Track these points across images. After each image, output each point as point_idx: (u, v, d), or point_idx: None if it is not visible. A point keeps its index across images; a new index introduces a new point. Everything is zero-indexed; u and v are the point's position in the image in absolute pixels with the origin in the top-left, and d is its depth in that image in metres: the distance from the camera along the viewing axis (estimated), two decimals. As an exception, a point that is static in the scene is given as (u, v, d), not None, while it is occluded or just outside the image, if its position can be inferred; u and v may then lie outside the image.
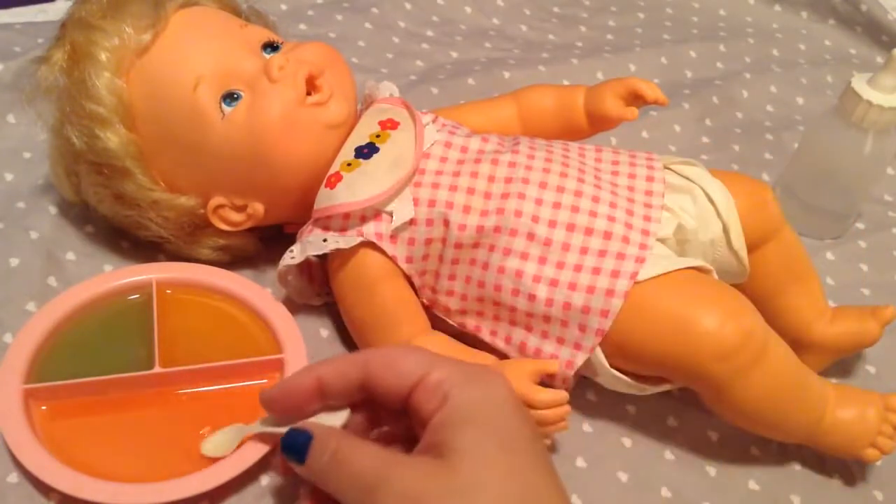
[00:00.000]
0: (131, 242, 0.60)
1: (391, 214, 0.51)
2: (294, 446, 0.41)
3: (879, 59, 0.87)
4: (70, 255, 0.59)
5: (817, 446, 0.52)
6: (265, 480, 0.49)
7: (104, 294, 0.55)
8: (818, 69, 0.87)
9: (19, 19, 0.79)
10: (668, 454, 0.54)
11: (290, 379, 0.44)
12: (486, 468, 0.37)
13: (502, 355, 0.52)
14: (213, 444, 0.48)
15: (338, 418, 0.43)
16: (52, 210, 0.61)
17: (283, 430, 0.43)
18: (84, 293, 0.54)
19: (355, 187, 0.51)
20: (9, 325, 0.54)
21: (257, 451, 0.48)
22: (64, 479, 0.46)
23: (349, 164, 0.52)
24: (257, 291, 0.56)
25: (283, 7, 0.84)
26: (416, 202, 0.52)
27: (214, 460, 0.47)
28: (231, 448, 0.48)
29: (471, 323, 0.53)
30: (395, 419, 0.44)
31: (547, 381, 0.51)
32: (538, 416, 0.49)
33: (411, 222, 0.52)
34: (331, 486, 0.40)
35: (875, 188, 0.72)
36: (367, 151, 0.53)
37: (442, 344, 0.52)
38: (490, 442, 0.38)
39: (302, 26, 0.81)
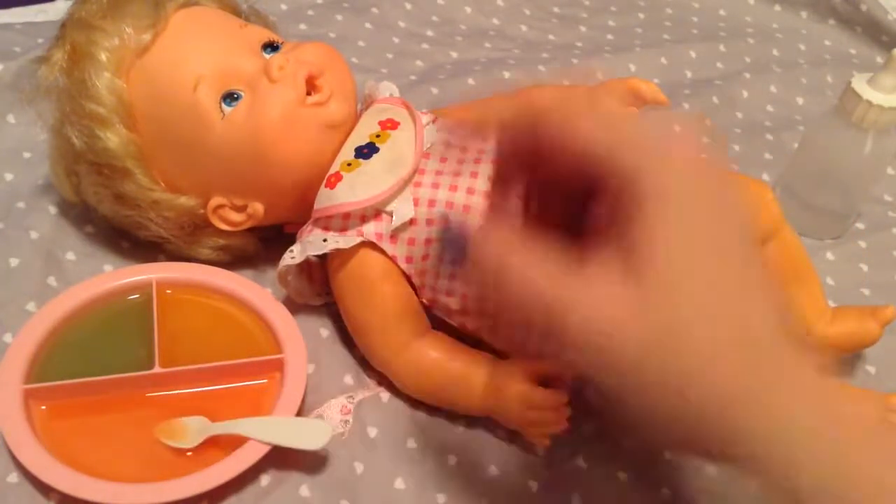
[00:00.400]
0: (131, 242, 0.60)
1: (391, 214, 0.51)
2: (459, 246, 0.37)
3: (879, 59, 0.87)
4: (70, 256, 0.59)
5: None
6: (265, 481, 0.49)
7: (104, 294, 0.55)
8: (818, 69, 0.87)
9: (19, 19, 0.79)
10: (668, 453, 0.53)
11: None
12: (690, 283, 0.33)
13: (502, 355, 0.52)
14: (169, 429, 0.48)
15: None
16: (53, 210, 0.61)
17: (259, 437, 0.46)
18: (84, 293, 0.54)
19: (356, 187, 0.51)
20: (9, 325, 0.54)
21: (257, 451, 0.48)
22: (64, 478, 0.46)
23: (349, 164, 0.53)
24: (257, 291, 0.56)
25: (283, 7, 0.84)
26: (416, 202, 0.52)
27: (214, 460, 0.47)
28: (193, 441, 0.48)
29: (471, 323, 0.53)
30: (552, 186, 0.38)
31: (547, 381, 0.51)
32: (537, 417, 0.49)
33: (411, 222, 0.52)
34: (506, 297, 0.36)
35: (875, 188, 0.72)
36: (367, 151, 0.53)
37: (441, 344, 0.52)
38: (693, 247, 0.34)
39: (302, 26, 0.81)
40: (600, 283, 0.34)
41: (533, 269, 0.35)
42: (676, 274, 0.33)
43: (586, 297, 0.34)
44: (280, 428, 0.49)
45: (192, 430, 0.49)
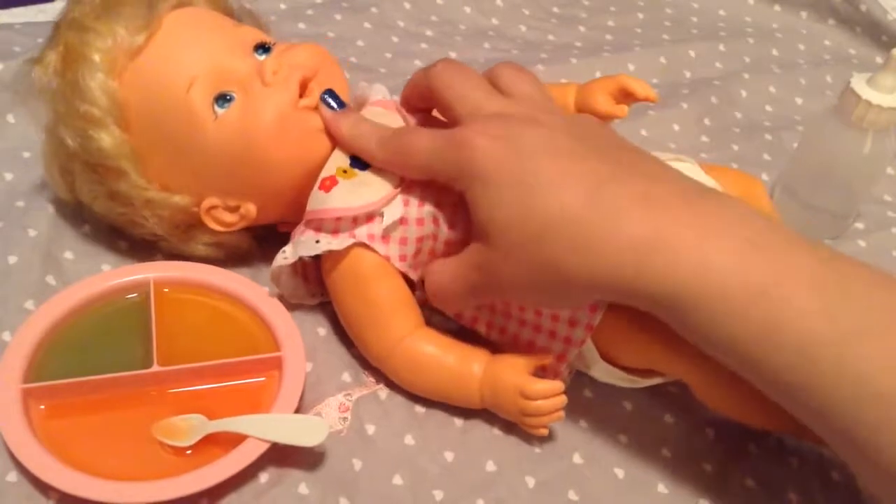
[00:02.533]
0: (129, 242, 0.60)
1: (381, 215, 0.51)
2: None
3: (879, 59, 0.87)
4: (68, 254, 0.59)
5: (812, 438, 0.52)
6: (264, 478, 0.49)
7: (102, 293, 0.55)
8: (818, 69, 0.87)
9: (19, 19, 0.79)
10: (665, 451, 0.54)
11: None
12: (504, 230, 0.46)
13: (496, 349, 0.53)
14: (166, 428, 0.49)
15: None
16: (51, 209, 0.61)
17: (257, 434, 0.47)
18: (82, 292, 0.54)
19: (351, 195, 0.51)
20: (7, 324, 0.54)
21: (255, 449, 0.48)
22: (63, 477, 0.46)
23: (345, 172, 0.52)
24: (255, 290, 0.56)
25: (283, 6, 0.84)
26: (406, 203, 0.52)
27: (213, 459, 0.47)
28: (191, 439, 0.48)
29: (467, 315, 0.53)
30: None
31: (540, 373, 0.51)
32: (534, 407, 0.49)
33: (402, 222, 0.52)
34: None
35: (875, 188, 0.72)
36: (362, 161, 0.53)
37: (436, 338, 0.52)
38: (499, 204, 0.46)
39: (301, 25, 0.81)
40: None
41: None
42: (502, 231, 0.46)
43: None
44: (278, 425, 0.49)
45: (190, 428, 0.49)
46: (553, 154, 0.45)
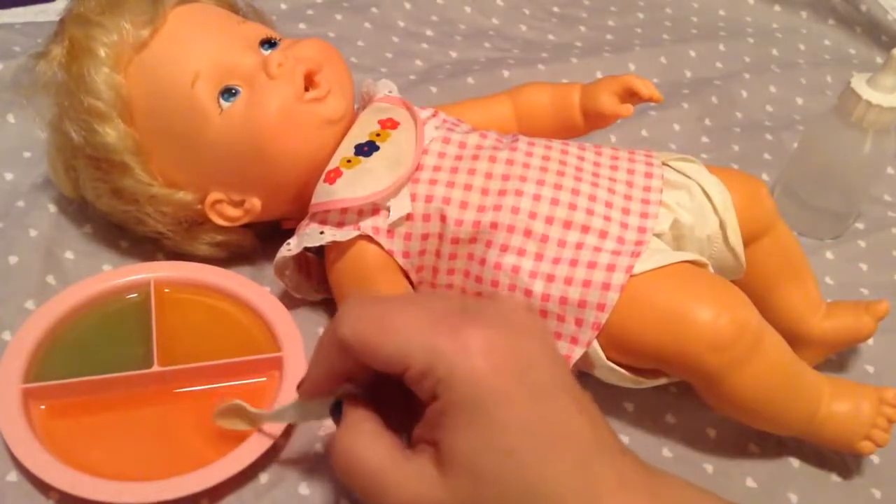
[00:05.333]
0: (130, 242, 0.60)
1: (388, 209, 0.52)
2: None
3: (879, 59, 0.87)
4: (69, 254, 0.59)
5: (812, 439, 0.52)
6: (264, 478, 0.49)
7: (102, 293, 0.55)
8: (818, 69, 0.87)
9: (19, 19, 0.79)
10: (666, 451, 0.54)
11: (308, 377, 0.43)
12: (482, 476, 0.36)
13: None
14: (225, 413, 0.48)
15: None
16: (52, 209, 0.61)
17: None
18: (82, 292, 0.54)
19: (355, 184, 0.51)
20: (7, 323, 0.54)
21: (255, 449, 0.48)
22: (63, 477, 0.46)
23: (349, 161, 0.53)
24: (255, 290, 0.56)
25: (283, 6, 0.84)
26: (413, 198, 0.52)
27: (213, 459, 0.47)
28: (244, 425, 0.48)
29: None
30: None
31: None
32: None
33: (408, 217, 0.52)
34: (343, 479, 0.39)
35: (875, 188, 0.72)
36: (367, 149, 0.53)
37: None
38: (486, 449, 0.36)
39: (301, 25, 0.81)
40: (415, 475, 0.37)
41: (363, 445, 0.38)
42: (479, 478, 0.36)
43: (401, 485, 0.37)
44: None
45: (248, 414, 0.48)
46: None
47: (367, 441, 0.39)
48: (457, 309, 0.38)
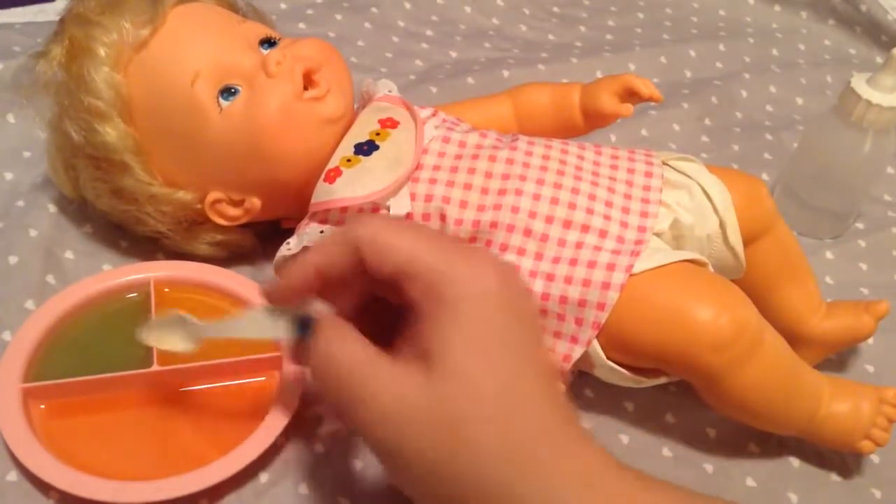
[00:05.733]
0: (130, 241, 0.60)
1: (388, 209, 0.52)
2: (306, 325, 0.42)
3: (879, 59, 0.87)
4: (69, 254, 0.59)
5: (812, 439, 0.52)
6: (264, 478, 0.49)
7: (103, 292, 0.55)
8: (818, 69, 0.87)
9: (19, 19, 0.79)
10: (666, 451, 0.54)
11: (290, 271, 0.43)
12: (472, 389, 0.37)
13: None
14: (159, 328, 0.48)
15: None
16: (52, 209, 0.61)
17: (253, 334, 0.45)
18: (82, 292, 0.54)
19: (354, 183, 0.51)
20: (7, 323, 0.54)
21: (256, 448, 0.48)
22: (63, 477, 0.46)
23: (349, 160, 0.53)
24: (255, 289, 0.56)
25: (283, 6, 0.84)
26: (412, 197, 0.52)
27: (213, 458, 0.47)
28: (174, 343, 0.48)
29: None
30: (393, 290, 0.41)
31: None
32: None
33: (408, 216, 0.52)
34: (321, 385, 0.41)
35: (875, 188, 0.72)
36: (366, 148, 0.53)
37: None
38: (475, 355, 0.37)
39: (301, 25, 0.82)
40: (402, 375, 0.38)
41: (347, 345, 0.40)
42: (463, 377, 0.37)
43: (380, 378, 0.38)
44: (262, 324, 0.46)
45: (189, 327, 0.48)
46: None
47: (351, 341, 0.40)
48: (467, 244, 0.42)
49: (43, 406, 0.50)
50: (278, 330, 0.44)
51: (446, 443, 0.37)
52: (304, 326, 0.42)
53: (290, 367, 0.52)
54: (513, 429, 0.37)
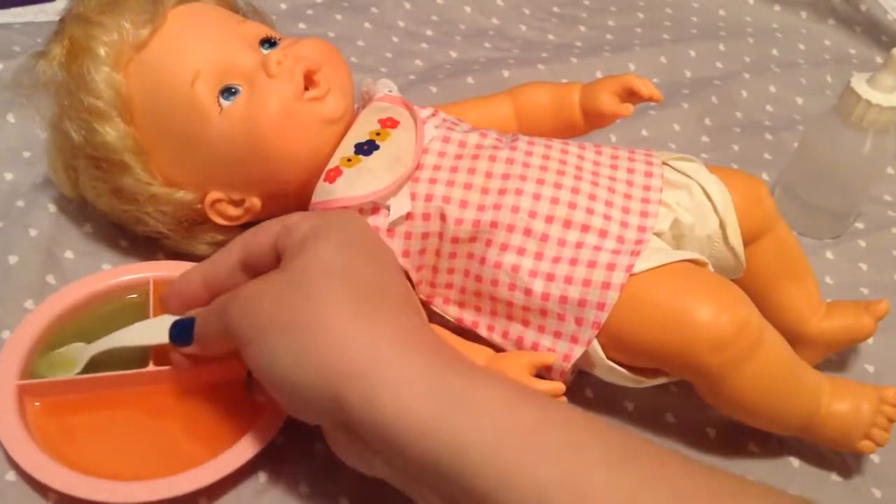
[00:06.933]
0: (130, 241, 0.60)
1: (388, 208, 0.52)
2: (182, 332, 0.47)
3: (879, 59, 0.87)
4: (69, 254, 0.59)
5: (812, 438, 0.52)
6: (263, 477, 0.49)
7: (102, 292, 0.55)
8: (818, 69, 0.87)
9: (19, 19, 0.79)
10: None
11: (178, 281, 0.49)
12: (318, 263, 0.42)
13: (499, 350, 0.52)
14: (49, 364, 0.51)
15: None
16: (52, 208, 0.61)
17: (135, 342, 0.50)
18: (81, 291, 0.54)
19: (354, 183, 0.51)
20: (7, 323, 0.54)
21: (252, 448, 0.48)
22: (58, 476, 0.46)
23: (349, 160, 0.53)
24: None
25: (283, 6, 0.84)
26: (413, 197, 0.52)
27: (208, 458, 0.47)
28: (76, 367, 0.50)
29: (468, 318, 0.53)
30: None
31: (544, 373, 0.51)
32: None
33: (408, 216, 0.52)
34: (210, 335, 0.46)
35: (875, 188, 0.72)
36: (367, 148, 0.53)
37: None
38: (327, 249, 0.42)
39: (301, 25, 0.82)
40: (262, 278, 0.44)
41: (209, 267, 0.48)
42: (313, 256, 0.42)
43: (248, 285, 0.44)
44: (150, 330, 0.50)
45: (74, 357, 0.50)
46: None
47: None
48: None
49: (38, 404, 0.50)
50: (158, 336, 0.49)
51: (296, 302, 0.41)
52: (183, 332, 0.47)
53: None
54: (357, 287, 0.41)
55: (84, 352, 0.50)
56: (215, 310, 0.45)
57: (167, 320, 0.49)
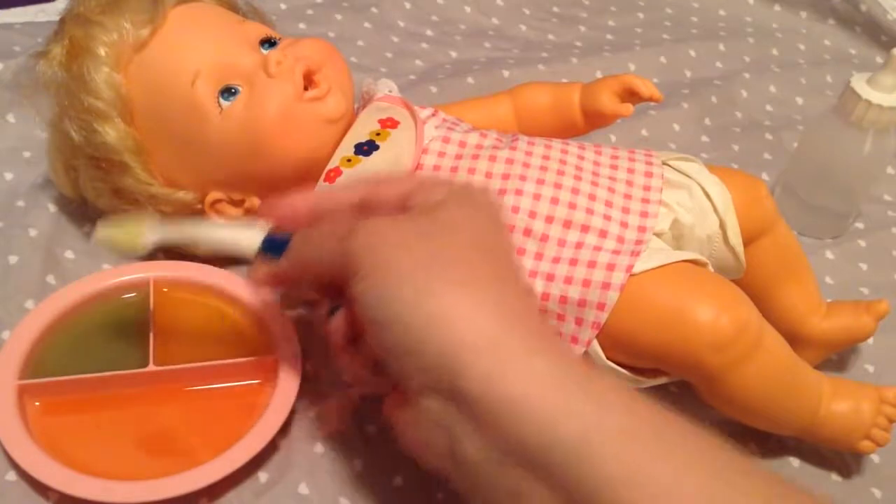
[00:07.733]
0: (130, 241, 0.60)
1: None
2: (277, 245, 0.45)
3: (879, 59, 0.87)
4: (69, 254, 0.59)
5: (813, 438, 0.52)
6: (263, 477, 0.49)
7: (102, 292, 0.55)
8: (818, 69, 0.87)
9: (19, 19, 0.79)
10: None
11: (286, 199, 0.46)
12: (455, 218, 0.40)
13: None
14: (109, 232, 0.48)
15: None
16: (52, 208, 0.61)
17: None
18: (81, 290, 0.54)
19: None
20: (7, 323, 0.54)
21: (253, 448, 0.48)
22: (58, 476, 0.46)
23: (349, 160, 0.53)
24: (254, 291, 0.56)
25: (283, 6, 0.84)
26: None
27: (209, 458, 0.47)
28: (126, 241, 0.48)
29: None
30: None
31: None
32: None
33: None
34: (311, 257, 0.43)
35: (875, 188, 0.72)
36: (367, 149, 0.53)
37: None
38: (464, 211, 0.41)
39: (301, 25, 0.82)
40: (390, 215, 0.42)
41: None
42: (449, 217, 0.41)
43: (375, 218, 0.41)
44: (238, 233, 0.48)
45: (139, 233, 0.48)
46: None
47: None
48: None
49: (38, 403, 0.50)
50: (248, 240, 0.46)
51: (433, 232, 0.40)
52: (274, 247, 0.45)
53: (287, 368, 0.51)
54: (494, 262, 0.40)
55: (154, 231, 0.48)
56: (330, 233, 0.42)
57: (255, 232, 0.47)
